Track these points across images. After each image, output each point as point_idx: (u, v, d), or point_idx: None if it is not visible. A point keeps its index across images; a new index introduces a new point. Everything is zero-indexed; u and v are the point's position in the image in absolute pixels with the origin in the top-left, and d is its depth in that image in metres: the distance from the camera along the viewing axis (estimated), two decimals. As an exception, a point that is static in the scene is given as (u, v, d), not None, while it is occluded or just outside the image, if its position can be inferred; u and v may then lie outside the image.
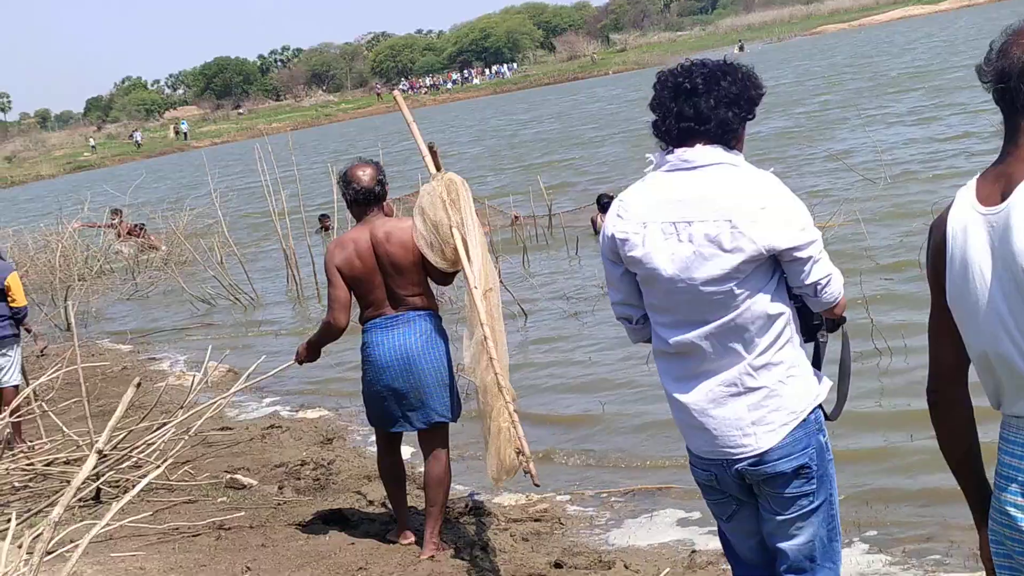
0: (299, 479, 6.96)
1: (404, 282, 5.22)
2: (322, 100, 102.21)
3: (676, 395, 3.19)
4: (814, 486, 3.16)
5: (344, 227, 13.39)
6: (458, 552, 5.34)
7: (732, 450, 3.12)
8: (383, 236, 5.19)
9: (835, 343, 3.33)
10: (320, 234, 17.98)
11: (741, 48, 72.63)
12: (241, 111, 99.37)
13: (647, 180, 3.17)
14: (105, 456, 6.14)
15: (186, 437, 7.14)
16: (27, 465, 7.01)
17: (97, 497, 6.43)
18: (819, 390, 3.17)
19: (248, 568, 5.25)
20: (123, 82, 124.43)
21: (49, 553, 3.92)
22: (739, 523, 3.33)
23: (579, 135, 32.23)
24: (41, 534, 3.46)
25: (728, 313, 3.03)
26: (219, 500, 6.54)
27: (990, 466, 2.41)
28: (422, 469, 5.67)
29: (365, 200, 5.28)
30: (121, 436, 6.69)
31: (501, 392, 4.90)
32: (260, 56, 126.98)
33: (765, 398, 3.07)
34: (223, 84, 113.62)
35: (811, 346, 3.24)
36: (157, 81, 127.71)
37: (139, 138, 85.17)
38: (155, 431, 7.01)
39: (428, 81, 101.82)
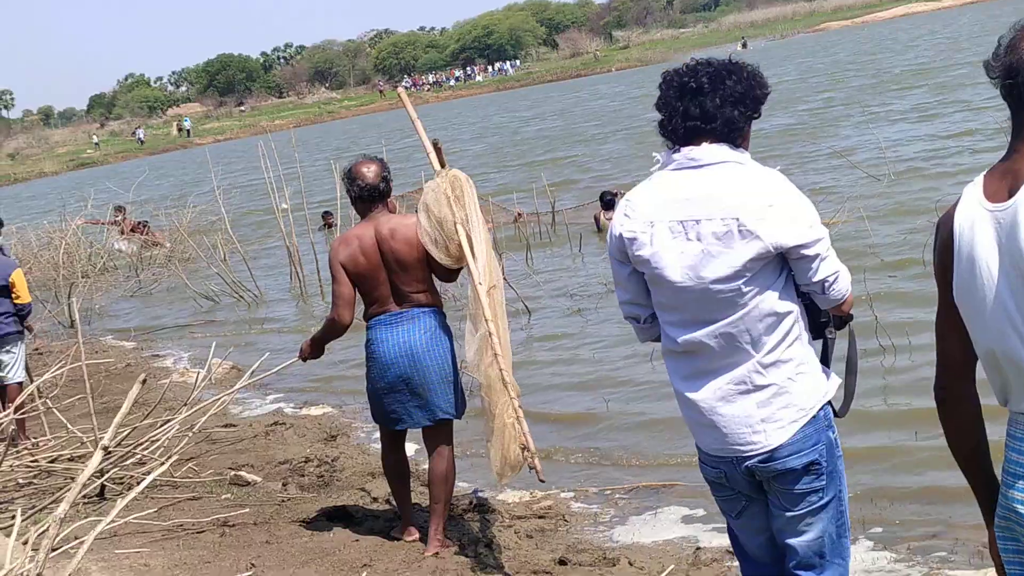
0: (303, 476, 6.96)
1: (408, 279, 5.22)
2: (325, 97, 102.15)
3: (685, 393, 3.20)
4: (824, 482, 3.17)
5: (347, 224, 13.39)
6: (462, 549, 5.35)
7: (742, 447, 3.13)
8: (388, 233, 5.19)
9: (842, 341, 3.32)
10: (323, 231, 17.98)
11: (744, 45, 72.58)
12: (243, 108, 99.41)
13: (654, 179, 3.18)
14: (109, 453, 6.13)
15: (190, 434, 7.15)
16: (31, 462, 7.02)
17: (101, 494, 6.44)
18: (828, 387, 3.18)
19: (252, 565, 5.25)
20: (126, 79, 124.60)
21: (54, 550, 3.92)
22: (748, 520, 3.33)
23: (582, 132, 32.21)
24: (47, 531, 3.46)
25: (736, 311, 3.04)
26: (223, 497, 6.54)
27: (999, 463, 2.40)
28: (426, 466, 5.68)
29: (370, 197, 5.27)
30: (125, 433, 6.69)
31: (506, 388, 4.90)
32: (263, 53, 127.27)
33: (774, 395, 3.08)
34: (226, 81, 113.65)
35: (819, 343, 3.25)
36: (160, 78, 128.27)
37: (142, 135, 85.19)
38: (159, 428, 7.02)
39: (431, 78, 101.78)
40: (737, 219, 2.98)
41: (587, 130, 32.72)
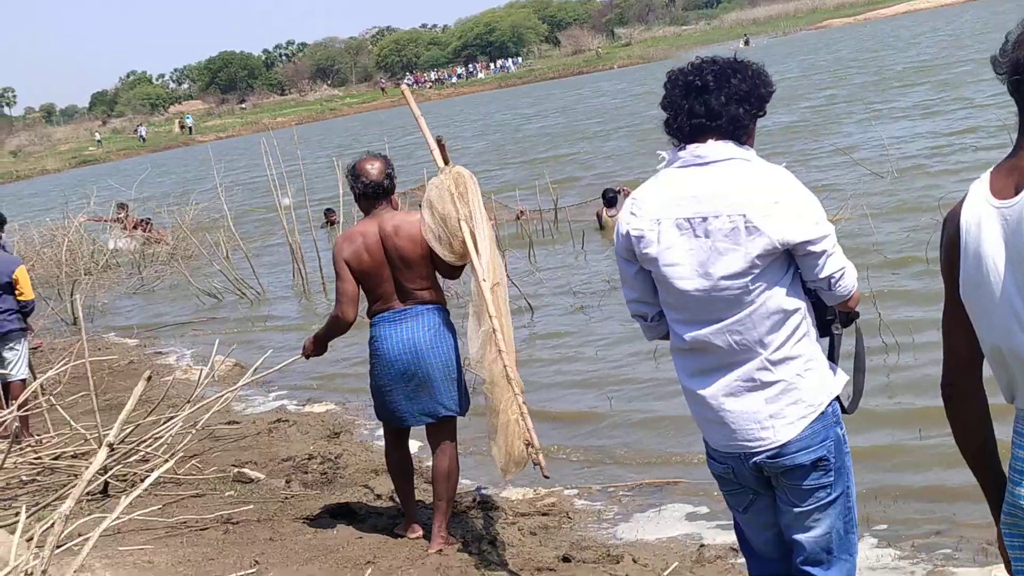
0: (306, 473, 6.96)
1: (412, 276, 5.21)
2: (327, 94, 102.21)
3: (694, 389, 3.21)
4: (832, 478, 3.18)
5: (350, 221, 13.39)
6: (466, 546, 5.35)
7: (751, 443, 3.13)
8: (391, 230, 5.19)
9: (848, 339, 3.33)
10: (326, 228, 17.99)
11: (746, 42, 72.47)
12: (244, 106, 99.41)
13: (660, 177, 3.19)
14: (114, 450, 6.14)
15: (193, 431, 7.15)
16: (35, 459, 7.02)
17: (105, 491, 6.44)
18: (836, 383, 3.19)
19: (256, 562, 5.25)
20: (128, 76, 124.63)
21: (59, 546, 3.92)
22: (755, 515, 3.34)
23: (584, 129, 32.19)
24: (52, 527, 3.46)
25: (744, 308, 3.05)
26: (227, 494, 6.54)
27: (1007, 461, 2.40)
28: (430, 463, 5.68)
29: (374, 194, 5.27)
30: (128, 430, 6.69)
31: (510, 384, 4.90)
32: (265, 50, 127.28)
33: (782, 392, 3.09)
34: (228, 78, 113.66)
35: (826, 341, 3.26)
36: (162, 76, 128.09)
37: (143, 132, 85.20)
38: (162, 425, 7.02)
39: (433, 75, 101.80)
40: (744, 215, 2.99)
41: (589, 127, 32.70)
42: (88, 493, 6.20)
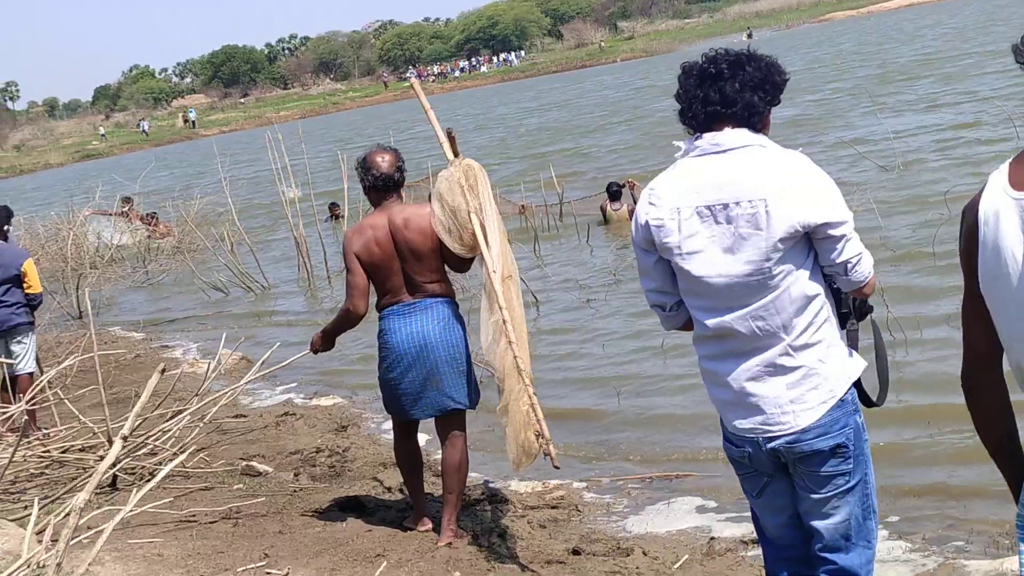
0: (314, 466, 6.96)
1: (422, 268, 5.21)
2: (329, 88, 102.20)
3: (714, 371, 3.23)
4: (850, 465, 3.20)
5: (355, 215, 13.40)
6: (475, 539, 5.35)
7: (771, 427, 3.15)
8: (401, 222, 5.19)
9: (866, 337, 3.33)
10: (330, 222, 17.98)
11: (749, 35, 72.36)
12: (243, 101, 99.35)
13: (677, 166, 3.22)
14: (126, 442, 6.14)
15: (201, 424, 7.15)
16: (43, 452, 7.02)
17: (113, 484, 6.44)
18: (854, 369, 3.21)
19: (266, 555, 5.25)
20: (131, 71, 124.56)
21: (72, 539, 3.92)
22: (769, 498, 3.35)
23: (587, 123, 32.16)
24: (67, 519, 3.47)
25: (768, 294, 3.07)
26: (235, 487, 6.54)
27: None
28: (439, 456, 5.67)
29: (384, 186, 5.27)
30: (137, 423, 6.69)
31: (520, 375, 4.90)
32: (268, 44, 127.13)
33: (804, 377, 3.11)
34: (231, 73, 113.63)
35: (843, 334, 3.26)
36: (165, 70, 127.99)
37: (146, 127, 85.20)
38: (170, 419, 7.02)
39: (436, 69, 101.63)
40: (764, 200, 3.02)
41: (592, 121, 32.68)
42: (97, 486, 6.20)
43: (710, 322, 3.17)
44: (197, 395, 7.32)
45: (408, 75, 77.11)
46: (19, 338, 8.21)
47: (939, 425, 6.19)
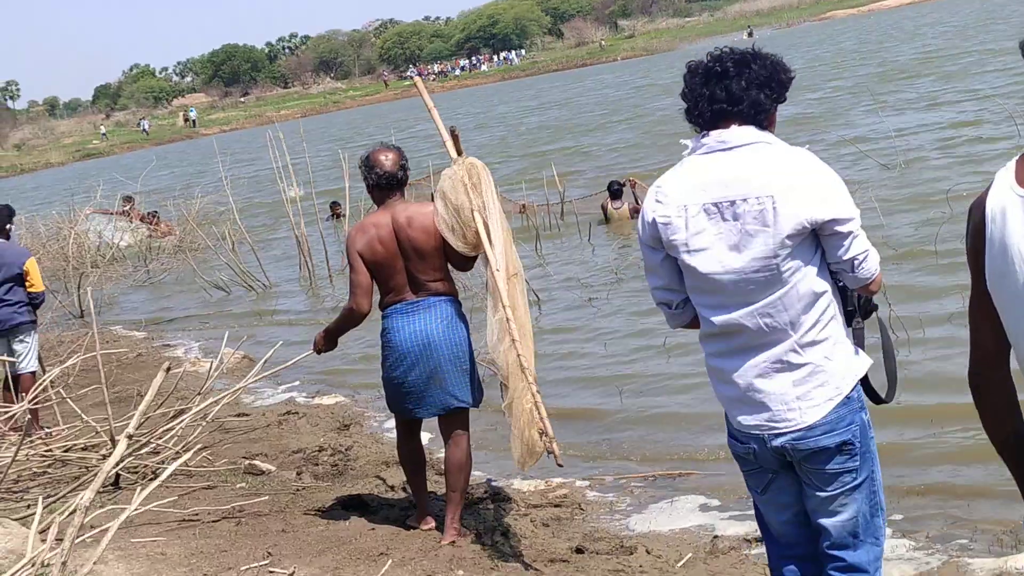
0: (317, 465, 6.96)
1: (425, 267, 5.21)
2: (330, 87, 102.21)
3: (720, 368, 3.23)
4: (857, 462, 3.20)
5: (356, 214, 13.39)
6: (479, 537, 5.35)
7: (777, 424, 3.15)
8: (405, 221, 5.18)
9: (872, 335, 3.33)
10: (331, 221, 17.98)
11: (750, 34, 72.31)
12: (243, 99, 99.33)
13: (684, 164, 3.22)
14: (132, 441, 6.14)
15: (203, 423, 7.15)
16: (45, 451, 7.02)
17: (116, 483, 6.44)
18: (860, 366, 3.21)
19: (269, 554, 5.25)
20: (131, 70, 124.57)
21: (77, 538, 3.92)
22: (774, 495, 3.35)
23: (588, 122, 32.16)
24: (72, 518, 3.47)
25: (777, 290, 3.07)
26: (238, 486, 6.54)
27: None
28: (442, 455, 5.67)
29: (387, 185, 5.26)
30: (140, 422, 6.68)
31: (523, 373, 4.90)
32: (268, 43, 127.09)
33: (810, 374, 3.11)
34: (231, 71, 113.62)
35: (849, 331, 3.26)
36: (165, 69, 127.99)
37: (146, 126, 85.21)
38: (172, 418, 7.02)
39: (436, 68, 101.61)
40: (772, 197, 3.02)
41: (593, 120, 32.68)
42: (101, 484, 6.20)
43: (717, 319, 3.17)
44: (200, 394, 7.32)
45: (409, 74, 77.18)
46: (21, 337, 8.21)
47: (942, 424, 6.19)
